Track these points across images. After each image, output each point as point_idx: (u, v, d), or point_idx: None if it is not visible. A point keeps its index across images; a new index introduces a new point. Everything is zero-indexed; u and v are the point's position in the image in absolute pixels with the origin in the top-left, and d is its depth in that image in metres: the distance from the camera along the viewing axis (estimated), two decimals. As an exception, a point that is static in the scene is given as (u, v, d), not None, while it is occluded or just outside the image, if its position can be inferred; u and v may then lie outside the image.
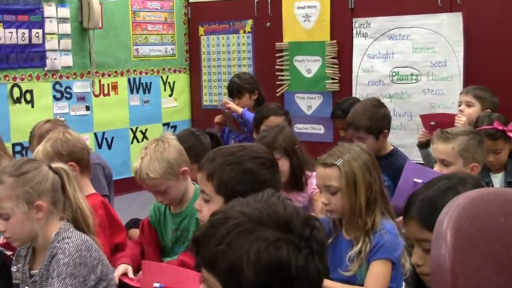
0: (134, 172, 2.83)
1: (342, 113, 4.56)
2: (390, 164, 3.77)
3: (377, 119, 3.64)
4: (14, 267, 2.35)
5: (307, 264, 1.27)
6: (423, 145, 3.94)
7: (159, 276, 2.15)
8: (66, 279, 2.13)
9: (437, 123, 3.87)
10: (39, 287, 2.24)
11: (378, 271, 2.39)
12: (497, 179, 3.51)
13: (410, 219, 1.71)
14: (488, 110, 4.00)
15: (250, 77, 5.32)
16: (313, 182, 3.26)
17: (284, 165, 3.24)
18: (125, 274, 2.75)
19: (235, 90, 5.15)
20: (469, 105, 4.11)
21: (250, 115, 4.73)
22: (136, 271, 2.84)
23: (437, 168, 3.10)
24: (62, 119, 5.08)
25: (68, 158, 2.91)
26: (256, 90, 5.13)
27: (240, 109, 4.93)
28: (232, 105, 5.01)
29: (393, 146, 4.05)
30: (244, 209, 1.33)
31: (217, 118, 5.20)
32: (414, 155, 4.24)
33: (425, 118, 4.14)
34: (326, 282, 2.33)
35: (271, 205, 1.33)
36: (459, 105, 4.22)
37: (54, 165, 2.37)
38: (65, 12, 5.76)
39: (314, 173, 3.22)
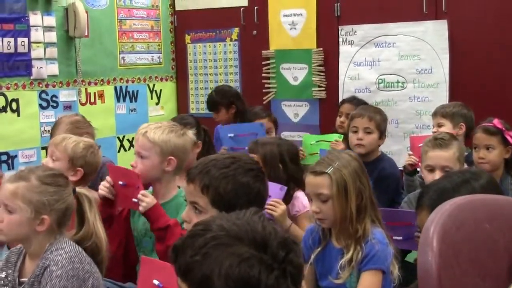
0: (140, 127, 2.94)
1: (353, 98, 4.81)
2: (375, 168, 3.83)
3: (384, 121, 4.05)
4: (3, 273, 2.34)
5: (277, 285, 1.29)
6: (410, 172, 3.83)
7: (158, 274, 2.14)
8: None
9: None
10: None
11: (370, 281, 2.41)
12: None
13: (421, 208, 1.78)
14: (462, 124, 4.02)
15: (228, 91, 5.32)
16: (295, 204, 3.25)
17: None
18: None
19: (211, 105, 5.28)
20: (440, 125, 4.11)
21: (223, 132, 4.63)
22: None
23: (437, 176, 2.94)
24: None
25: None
26: (233, 105, 5.14)
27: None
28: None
29: (381, 152, 4.10)
30: (224, 223, 1.34)
31: None
32: (402, 162, 4.24)
33: (415, 140, 4.08)
34: None
35: (250, 222, 1.35)
36: (433, 127, 4.23)
37: (79, 190, 2.41)
38: (50, 20, 5.73)
39: (298, 193, 3.24)
